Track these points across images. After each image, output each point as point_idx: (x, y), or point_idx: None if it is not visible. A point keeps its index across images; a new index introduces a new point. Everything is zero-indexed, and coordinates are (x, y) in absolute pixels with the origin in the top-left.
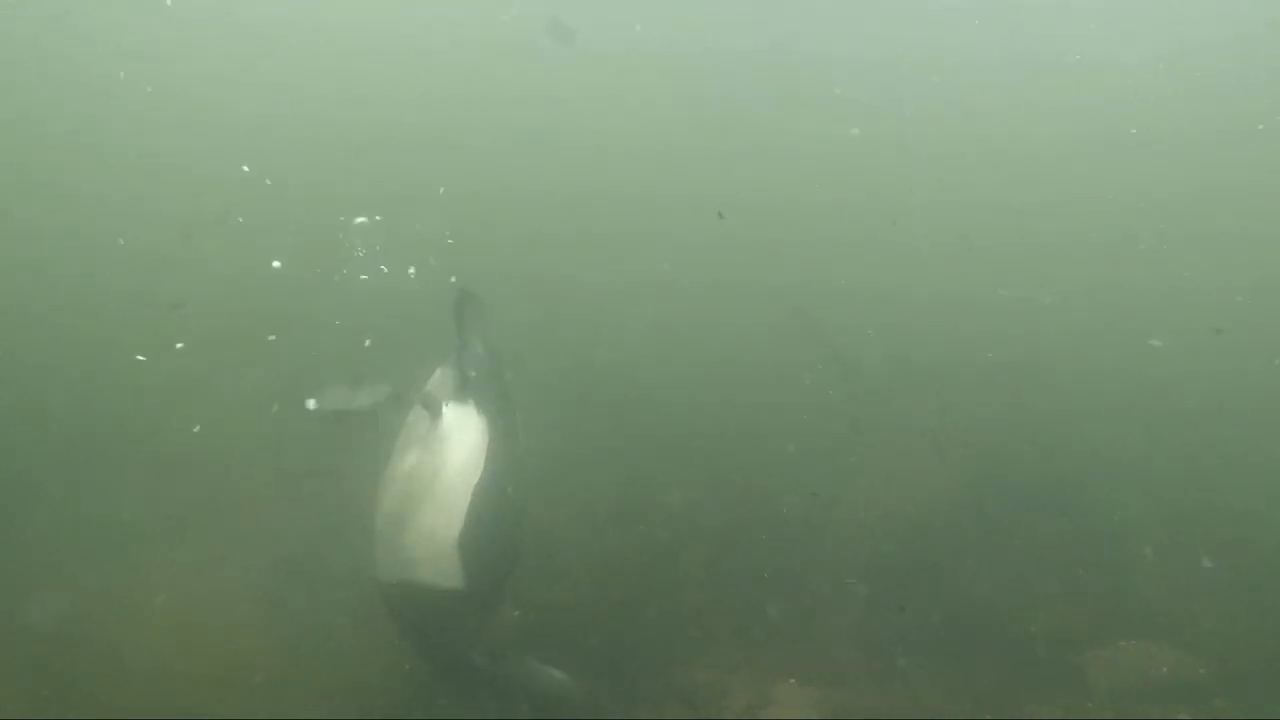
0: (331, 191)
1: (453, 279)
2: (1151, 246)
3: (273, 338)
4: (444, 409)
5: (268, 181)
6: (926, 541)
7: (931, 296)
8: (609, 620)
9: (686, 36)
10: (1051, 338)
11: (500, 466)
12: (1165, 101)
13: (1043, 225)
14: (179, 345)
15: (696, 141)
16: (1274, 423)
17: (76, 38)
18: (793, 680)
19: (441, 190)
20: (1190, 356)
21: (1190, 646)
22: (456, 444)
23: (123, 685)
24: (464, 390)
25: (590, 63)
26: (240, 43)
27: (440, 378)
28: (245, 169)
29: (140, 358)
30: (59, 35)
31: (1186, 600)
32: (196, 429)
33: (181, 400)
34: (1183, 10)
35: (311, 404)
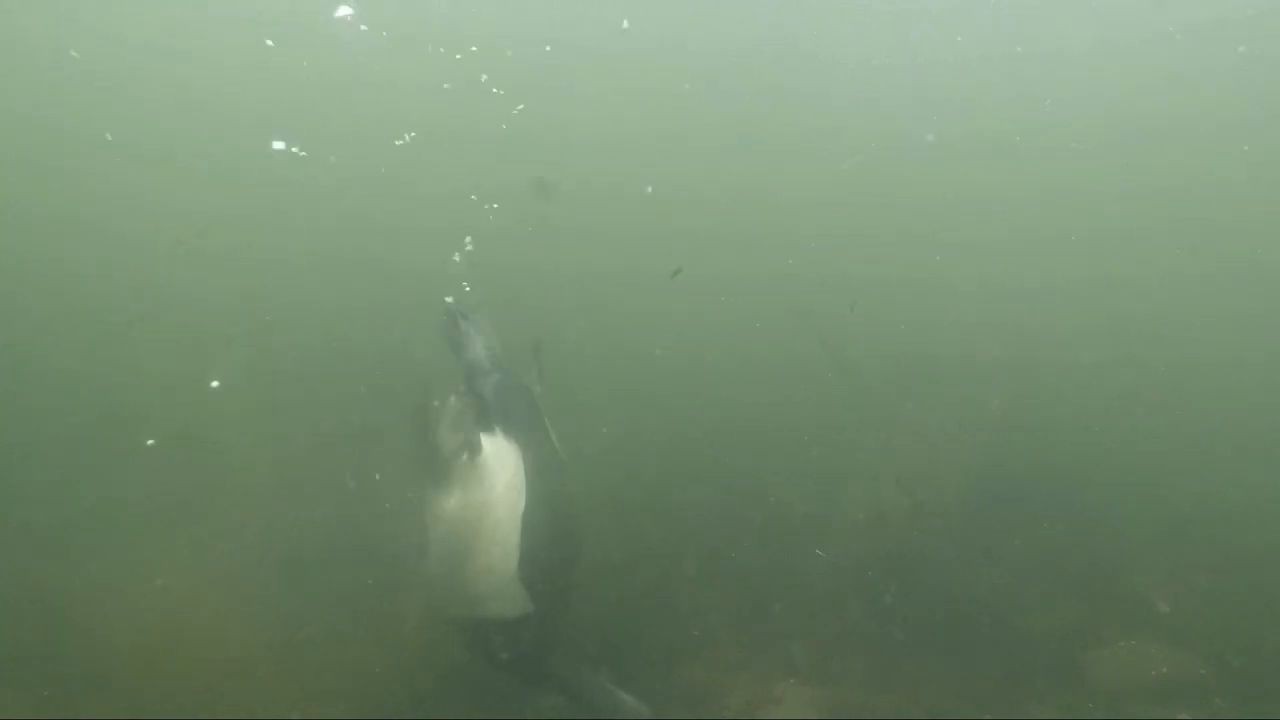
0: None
1: (447, 299)
2: (1153, 242)
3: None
4: (480, 445)
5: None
6: (927, 540)
7: (931, 294)
8: (608, 620)
9: (688, 35)
10: (1053, 335)
11: (542, 483)
12: (1167, 91)
13: (1044, 222)
14: (180, 341)
15: (695, 139)
16: (1276, 421)
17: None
18: (793, 680)
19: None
20: (1191, 355)
21: (1190, 646)
22: (496, 477)
23: (121, 684)
24: (488, 417)
25: (593, 62)
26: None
27: (460, 408)
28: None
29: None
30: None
31: (1186, 600)
32: (200, 420)
33: (184, 392)
34: None
35: None
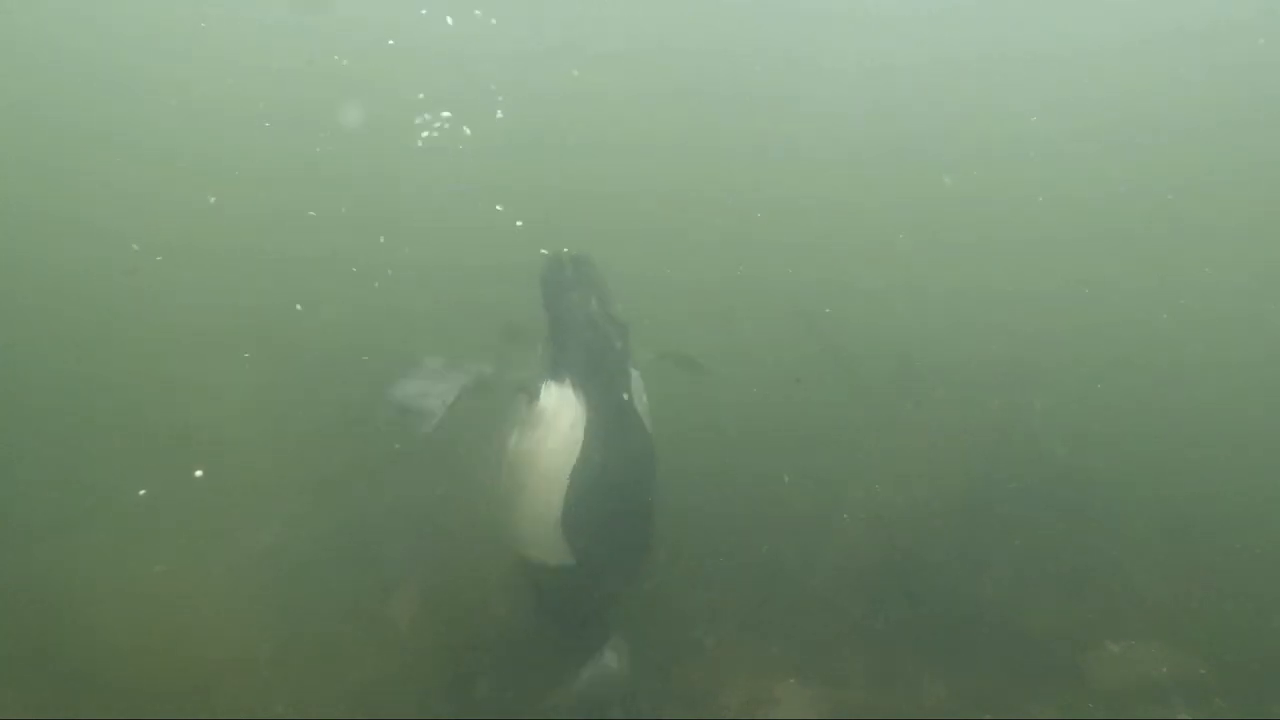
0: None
1: (542, 251)
2: (1153, 243)
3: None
4: (541, 392)
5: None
6: (927, 540)
7: (931, 295)
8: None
9: (691, 36)
10: (1053, 336)
11: (604, 445)
12: (1166, 88)
13: (1044, 221)
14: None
15: (694, 140)
16: (1276, 421)
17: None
18: (793, 680)
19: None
20: (1192, 354)
21: (1190, 646)
22: (552, 427)
23: (119, 684)
24: (561, 369)
25: (596, 63)
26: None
27: (539, 355)
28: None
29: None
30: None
31: (1186, 600)
32: (200, 420)
33: (184, 392)
34: None
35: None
